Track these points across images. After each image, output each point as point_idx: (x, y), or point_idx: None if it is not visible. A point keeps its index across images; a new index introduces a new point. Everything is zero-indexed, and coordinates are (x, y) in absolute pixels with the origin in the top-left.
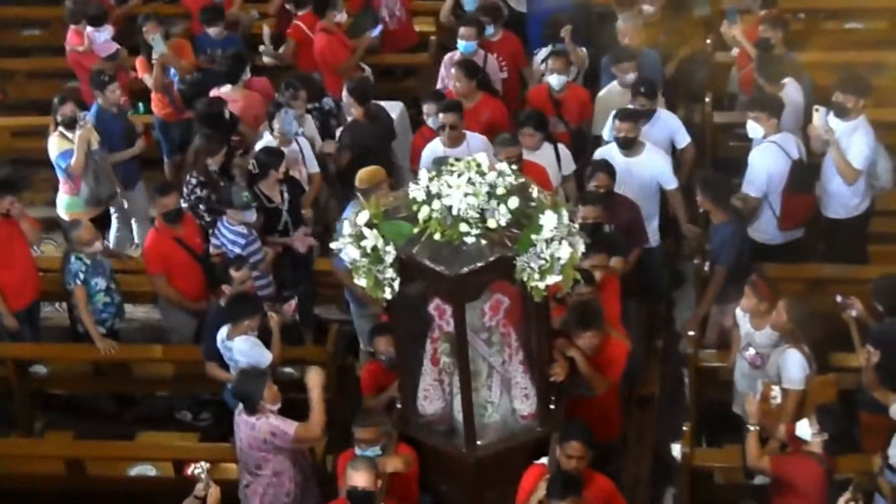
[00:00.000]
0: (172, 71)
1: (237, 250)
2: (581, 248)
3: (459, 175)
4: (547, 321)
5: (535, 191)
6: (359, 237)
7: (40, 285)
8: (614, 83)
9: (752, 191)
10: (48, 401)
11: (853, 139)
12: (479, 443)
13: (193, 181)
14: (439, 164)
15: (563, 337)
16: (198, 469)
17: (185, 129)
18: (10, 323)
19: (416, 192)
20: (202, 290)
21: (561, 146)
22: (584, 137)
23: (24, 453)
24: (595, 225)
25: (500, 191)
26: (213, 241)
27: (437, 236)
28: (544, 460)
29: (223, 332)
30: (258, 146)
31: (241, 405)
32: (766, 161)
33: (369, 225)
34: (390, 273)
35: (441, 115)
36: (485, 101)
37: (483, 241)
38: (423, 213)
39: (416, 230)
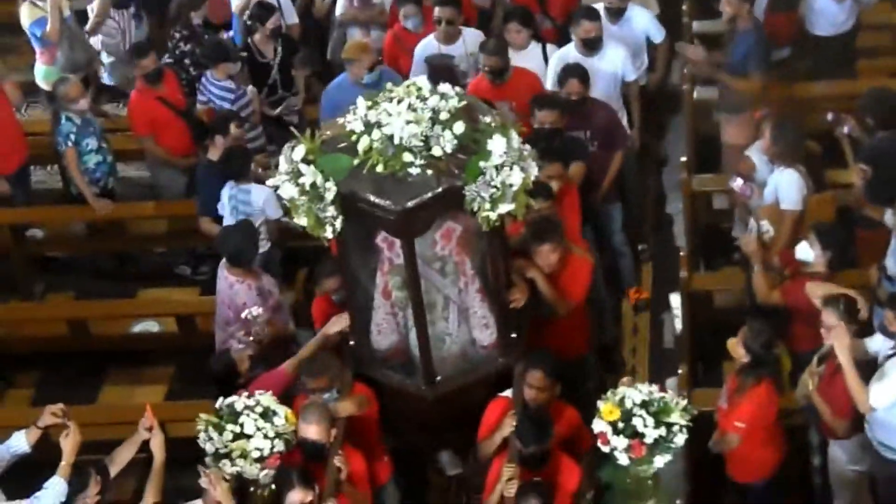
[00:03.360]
0: None
1: (227, 105)
2: (534, 171)
3: (399, 101)
4: (503, 245)
5: (482, 112)
6: (296, 174)
7: (28, 148)
8: None
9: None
10: (46, 264)
11: None
12: (437, 378)
13: (177, 35)
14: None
15: (522, 257)
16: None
17: None
18: (2, 187)
19: (353, 122)
20: (189, 145)
21: (549, 46)
22: (570, 33)
23: (26, 317)
24: (552, 130)
25: (443, 115)
26: (199, 96)
27: (379, 168)
28: (508, 393)
29: (231, 183)
30: None
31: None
32: None
33: (306, 160)
34: (332, 211)
35: (437, 9)
36: None
37: (429, 171)
38: (363, 143)
39: (356, 163)
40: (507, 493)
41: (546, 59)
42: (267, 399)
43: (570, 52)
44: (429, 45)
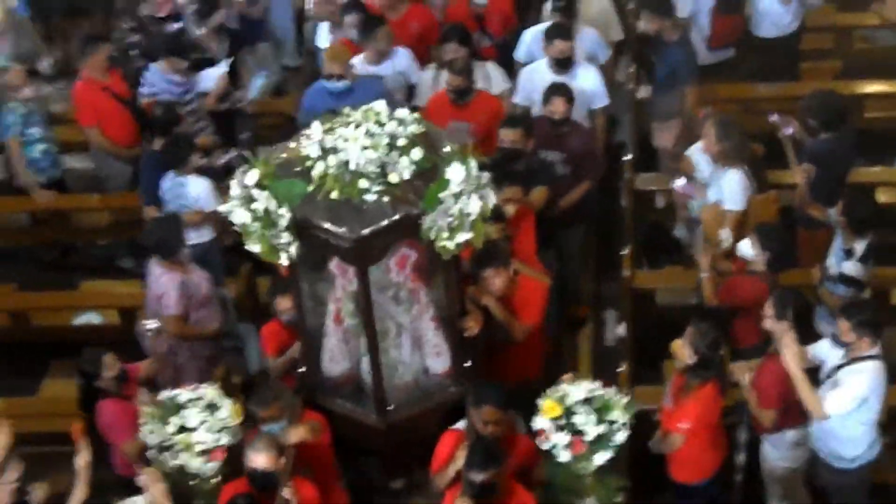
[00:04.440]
0: None
1: (173, 97)
2: (492, 199)
3: (357, 126)
4: (458, 273)
5: (440, 139)
6: (248, 199)
7: None
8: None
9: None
10: None
11: None
12: (390, 406)
13: (125, 27)
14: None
15: (472, 280)
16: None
17: None
18: None
19: (309, 147)
20: (135, 136)
21: (490, 64)
22: (509, 50)
23: None
24: (514, 151)
25: (401, 141)
26: (143, 88)
27: (334, 194)
28: (461, 425)
29: (171, 174)
30: None
31: None
32: None
33: (259, 185)
34: (286, 237)
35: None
36: (413, 11)
37: (385, 199)
38: (318, 169)
39: (311, 188)
40: None
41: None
42: (212, 392)
43: (540, 69)
44: (358, 65)
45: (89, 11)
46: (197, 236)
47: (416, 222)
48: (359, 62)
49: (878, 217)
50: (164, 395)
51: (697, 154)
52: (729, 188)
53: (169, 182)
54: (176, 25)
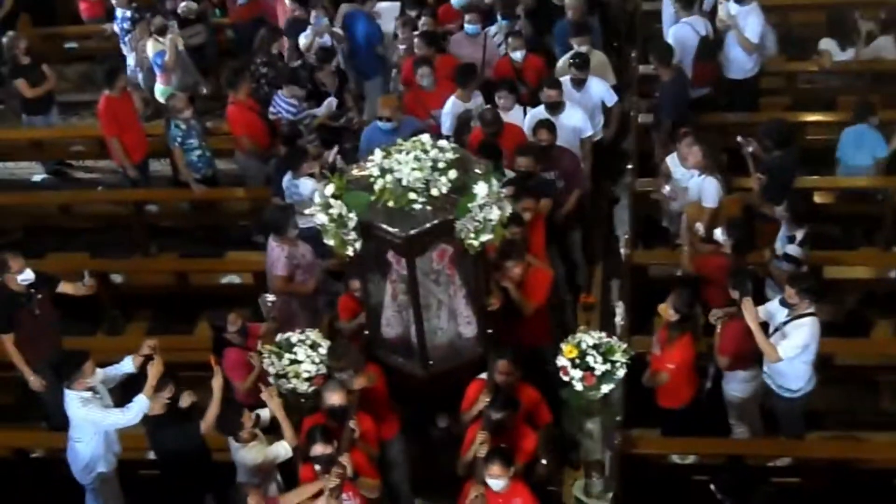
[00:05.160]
0: None
1: (290, 116)
2: (508, 209)
3: (407, 153)
4: (484, 262)
5: (471, 161)
6: (326, 206)
7: (149, 145)
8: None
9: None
10: (159, 231)
11: (749, 20)
12: (430, 362)
13: (258, 61)
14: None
15: (497, 270)
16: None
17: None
18: (132, 173)
19: (371, 167)
20: (270, 143)
21: (527, 108)
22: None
23: (144, 269)
24: (527, 173)
25: (441, 165)
26: (271, 108)
27: (390, 204)
28: (484, 376)
29: (289, 175)
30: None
31: None
32: (680, 36)
33: (335, 196)
34: (353, 235)
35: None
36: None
37: (428, 207)
38: (378, 185)
39: (372, 199)
40: (479, 454)
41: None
42: (314, 335)
43: (539, 112)
44: (454, 102)
45: (235, 53)
46: (306, 221)
47: (451, 226)
48: (452, 101)
49: (814, 213)
50: (281, 336)
51: (672, 162)
52: (707, 191)
53: (286, 181)
54: (296, 63)
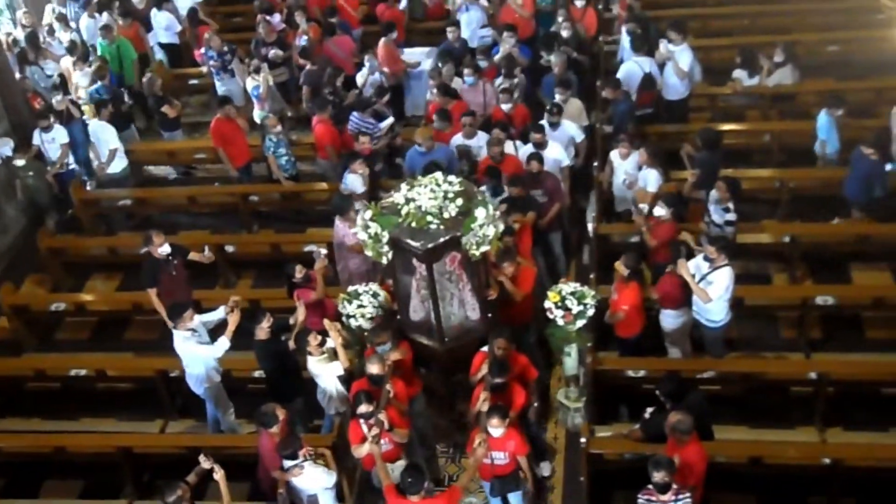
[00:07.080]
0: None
1: (366, 131)
2: (502, 226)
3: (425, 186)
4: (485, 264)
5: (474, 192)
6: (366, 226)
7: (251, 153)
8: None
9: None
10: (259, 214)
11: (682, 55)
12: (446, 339)
13: (327, 91)
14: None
15: (495, 268)
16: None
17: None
18: (233, 174)
19: (398, 197)
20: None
21: (518, 143)
22: (527, 135)
23: (248, 241)
24: (518, 196)
25: (451, 195)
26: (349, 125)
27: (413, 224)
28: (485, 349)
29: (347, 171)
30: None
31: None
32: (629, 71)
33: (372, 219)
34: (386, 248)
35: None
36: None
37: (441, 227)
38: (404, 210)
39: (399, 221)
40: (482, 409)
41: (516, 149)
42: (374, 286)
43: (529, 147)
44: (457, 138)
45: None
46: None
47: (459, 240)
48: (458, 137)
49: (741, 195)
50: (351, 288)
51: (613, 156)
52: (651, 180)
53: (344, 177)
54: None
